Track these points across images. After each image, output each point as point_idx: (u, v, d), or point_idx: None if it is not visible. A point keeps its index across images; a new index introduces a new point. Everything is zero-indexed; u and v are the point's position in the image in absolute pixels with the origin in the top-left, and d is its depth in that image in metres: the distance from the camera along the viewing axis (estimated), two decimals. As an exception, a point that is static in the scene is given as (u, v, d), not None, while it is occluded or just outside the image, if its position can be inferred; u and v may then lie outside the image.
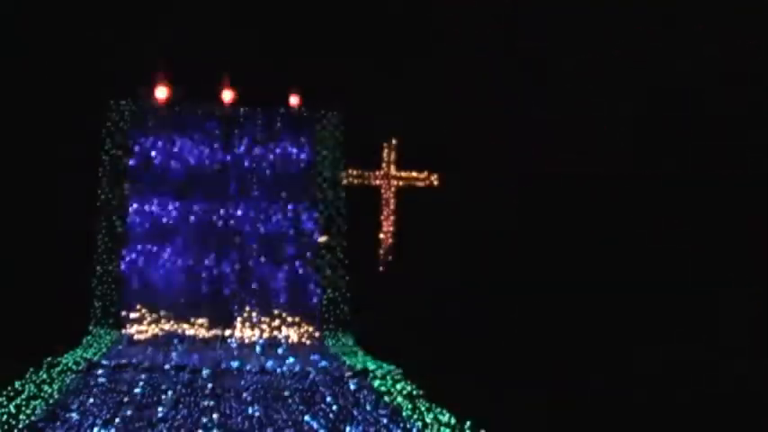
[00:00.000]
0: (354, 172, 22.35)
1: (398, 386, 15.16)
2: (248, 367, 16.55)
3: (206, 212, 21.27)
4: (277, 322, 20.95)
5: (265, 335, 20.64)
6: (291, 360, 17.61)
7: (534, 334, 18.88)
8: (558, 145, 21.15)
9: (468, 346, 18.24)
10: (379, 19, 21.30)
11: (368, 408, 13.67)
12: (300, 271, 21.36)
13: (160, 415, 12.72)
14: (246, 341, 20.09)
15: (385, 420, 12.91)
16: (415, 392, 14.64)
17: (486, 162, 21.65)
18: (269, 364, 17.02)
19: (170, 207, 21.15)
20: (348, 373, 16.19)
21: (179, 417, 12.70)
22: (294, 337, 20.63)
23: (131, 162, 21.09)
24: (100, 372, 15.73)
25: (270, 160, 21.57)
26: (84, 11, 20.23)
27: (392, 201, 22.56)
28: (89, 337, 19.26)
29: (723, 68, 19.66)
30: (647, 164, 20.47)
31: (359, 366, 16.81)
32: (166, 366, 16.37)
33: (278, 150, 21.62)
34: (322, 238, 21.54)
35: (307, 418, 12.88)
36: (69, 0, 20.30)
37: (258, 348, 19.18)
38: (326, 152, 21.78)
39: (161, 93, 20.96)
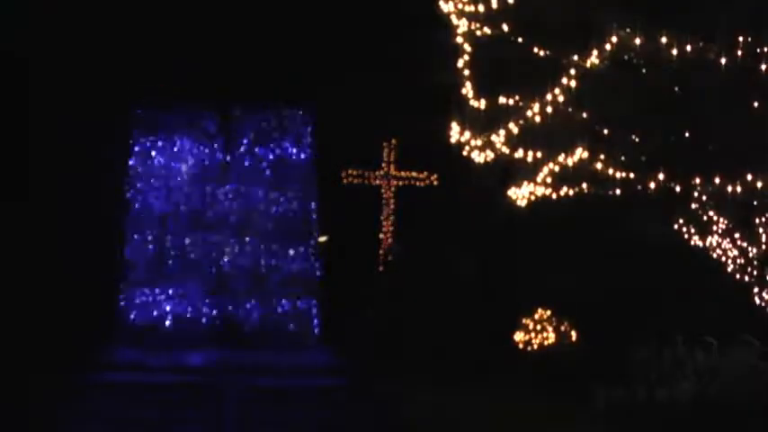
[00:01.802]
0: (354, 172, 22.36)
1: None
2: (248, 367, 16.56)
3: (206, 212, 21.26)
4: (277, 322, 20.95)
5: (265, 334, 20.64)
6: (291, 360, 17.62)
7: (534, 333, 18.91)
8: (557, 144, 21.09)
9: (467, 345, 18.26)
10: (380, 19, 21.29)
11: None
12: (300, 270, 21.35)
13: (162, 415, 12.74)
14: (246, 341, 20.09)
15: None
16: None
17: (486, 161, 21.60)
18: (268, 363, 17.04)
19: (170, 207, 21.15)
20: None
21: (180, 417, 12.71)
22: (294, 337, 20.62)
23: (131, 162, 21.08)
24: (100, 372, 15.74)
25: (270, 160, 21.56)
26: (85, 11, 20.24)
27: (392, 201, 22.56)
28: (89, 338, 19.24)
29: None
30: (651, 166, 20.35)
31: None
32: (167, 367, 16.38)
33: (278, 150, 21.61)
34: (322, 238, 21.54)
35: None
36: (72, 2, 20.30)
37: (258, 348, 19.18)
38: (326, 152, 21.79)
39: (161, 92, 20.95)
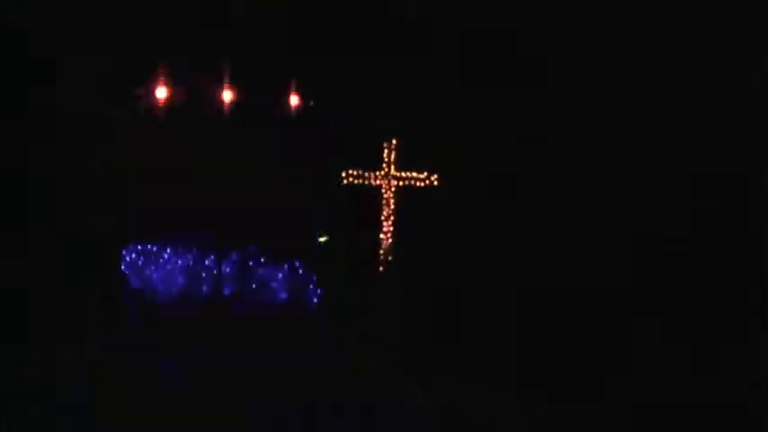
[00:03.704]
0: (354, 172, 22.34)
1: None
2: (246, 365, 16.58)
3: (205, 212, 21.30)
4: (277, 322, 20.98)
5: (265, 335, 20.66)
6: (289, 358, 17.64)
7: (534, 334, 18.88)
8: (558, 144, 21.12)
9: (467, 346, 18.25)
10: (380, 18, 21.29)
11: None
12: (300, 271, 21.40)
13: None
14: (245, 341, 20.10)
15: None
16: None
17: (486, 162, 21.62)
18: (267, 361, 17.06)
19: (169, 207, 21.20)
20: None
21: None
22: (294, 338, 20.63)
23: (131, 162, 21.10)
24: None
25: (269, 160, 21.60)
26: (85, 9, 20.25)
27: (392, 201, 22.54)
28: (88, 337, 19.26)
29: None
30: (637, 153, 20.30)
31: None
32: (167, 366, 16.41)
33: (278, 150, 21.65)
34: (322, 238, 21.55)
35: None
36: (75, 2, 20.32)
37: (256, 348, 19.20)
38: (326, 152, 21.81)
39: (160, 93, 20.96)
